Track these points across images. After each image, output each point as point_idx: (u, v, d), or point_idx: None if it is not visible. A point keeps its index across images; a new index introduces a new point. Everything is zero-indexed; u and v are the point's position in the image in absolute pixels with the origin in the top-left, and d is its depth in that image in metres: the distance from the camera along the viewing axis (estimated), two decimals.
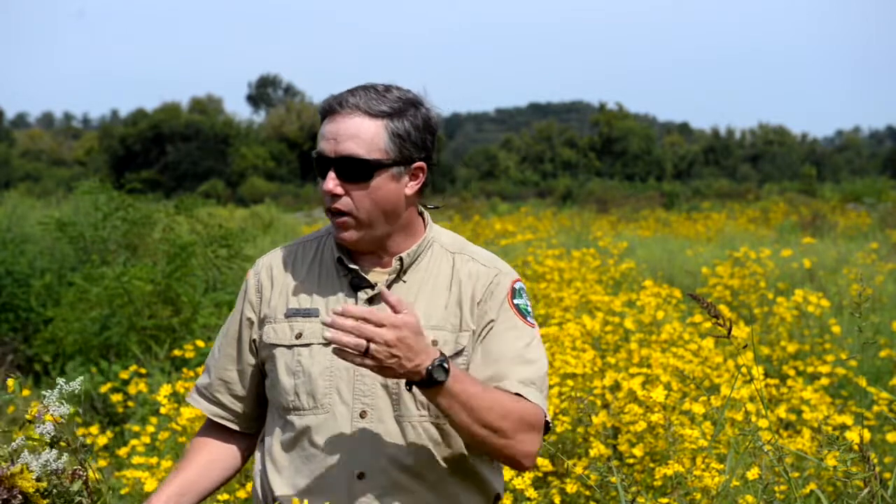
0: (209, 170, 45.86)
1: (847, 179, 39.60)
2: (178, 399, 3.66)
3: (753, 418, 3.34)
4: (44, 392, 1.75)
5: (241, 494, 3.17)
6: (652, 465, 3.20)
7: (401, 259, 1.90)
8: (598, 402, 3.61)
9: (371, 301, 1.89)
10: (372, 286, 1.89)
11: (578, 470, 3.04)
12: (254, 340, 1.98)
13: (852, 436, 2.77)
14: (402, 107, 1.85)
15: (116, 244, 8.58)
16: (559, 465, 3.45)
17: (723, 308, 5.91)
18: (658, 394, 3.16)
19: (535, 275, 7.56)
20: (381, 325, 1.65)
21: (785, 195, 29.02)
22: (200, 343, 4.79)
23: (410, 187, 1.89)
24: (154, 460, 3.44)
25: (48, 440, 1.70)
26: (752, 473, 2.70)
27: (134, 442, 3.76)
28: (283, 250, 2.03)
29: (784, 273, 8.37)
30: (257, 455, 1.99)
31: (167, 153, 47.93)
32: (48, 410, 1.70)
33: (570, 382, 3.68)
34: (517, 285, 1.94)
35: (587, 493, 3.15)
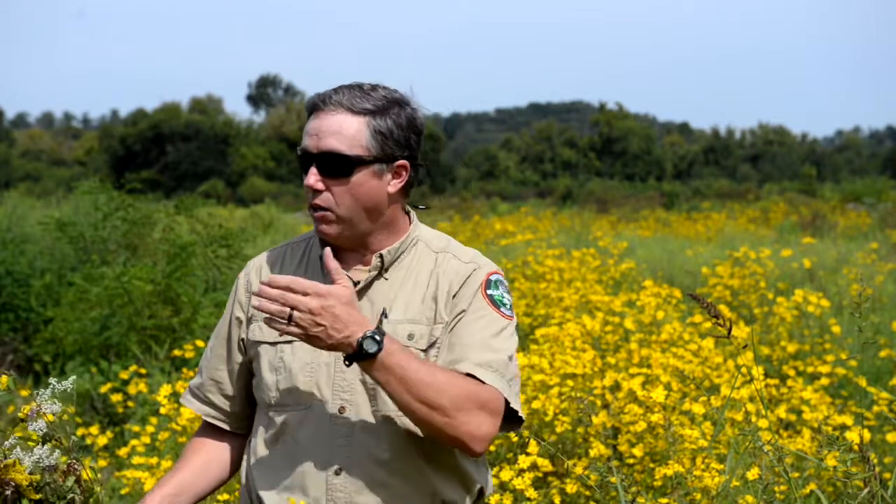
0: (209, 170, 45.88)
1: (847, 179, 39.63)
2: (178, 399, 3.66)
3: (753, 418, 3.34)
4: (37, 391, 1.76)
5: None
6: (652, 465, 3.20)
7: (381, 256, 1.92)
8: (598, 402, 3.61)
9: None
10: (355, 283, 1.90)
11: (578, 470, 3.04)
12: (242, 339, 2.01)
13: (852, 436, 2.76)
14: (386, 105, 1.88)
15: (116, 244, 8.59)
16: (559, 465, 3.45)
17: (723, 308, 5.91)
18: (658, 394, 3.16)
19: (535, 275, 7.56)
20: (306, 294, 1.68)
21: (785, 195, 29.03)
22: (200, 343, 4.79)
23: (393, 185, 1.91)
24: (154, 460, 3.44)
25: (40, 437, 1.71)
26: (752, 473, 2.70)
27: (134, 442, 3.76)
28: (272, 252, 2.06)
29: (784, 273, 8.37)
30: (245, 454, 2.01)
31: (167, 153, 47.93)
32: (41, 409, 1.71)
33: (570, 382, 3.68)
34: (493, 277, 1.94)
35: (587, 493, 3.15)
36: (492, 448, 3.74)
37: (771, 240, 12.86)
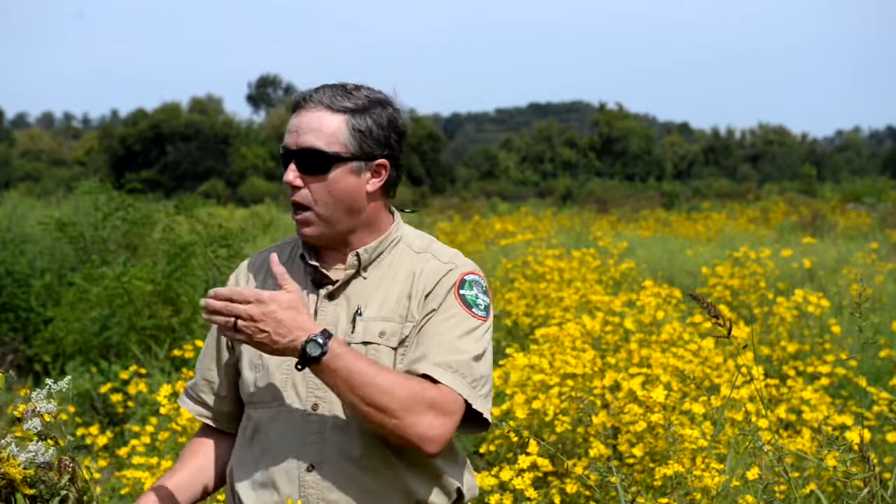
0: (209, 170, 45.88)
1: (847, 179, 39.65)
2: (178, 399, 3.66)
3: (753, 418, 3.34)
4: (33, 390, 1.77)
5: None
6: (652, 465, 3.20)
7: (357, 255, 1.92)
8: (598, 402, 3.61)
9: (331, 297, 1.92)
10: (333, 282, 1.92)
11: (578, 470, 3.04)
12: None
13: (852, 436, 2.77)
14: (366, 104, 1.89)
15: (116, 244, 8.58)
16: (559, 465, 3.45)
17: (723, 308, 5.91)
18: (658, 394, 3.16)
19: (535, 275, 7.56)
20: (248, 302, 1.71)
21: (785, 195, 29.05)
22: (200, 343, 4.79)
23: (372, 184, 1.92)
24: (154, 460, 3.44)
25: (36, 435, 1.72)
26: (752, 473, 2.70)
27: (134, 442, 3.76)
28: (260, 254, 2.09)
29: (784, 273, 8.37)
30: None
31: (167, 153, 47.94)
32: (37, 408, 1.72)
33: (570, 382, 3.68)
34: (468, 277, 1.93)
35: (587, 493, 3.15)
36: (492, 448, 3.74)
37: (771, 240, 12.86)
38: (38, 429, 1.72)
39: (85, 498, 1.75)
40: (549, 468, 2.96)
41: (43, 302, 7.66)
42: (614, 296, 5.90)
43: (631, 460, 3.26)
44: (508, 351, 4.28)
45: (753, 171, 57.26)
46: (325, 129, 1.86)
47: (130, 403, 4.66)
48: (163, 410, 3.63)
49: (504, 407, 3.60)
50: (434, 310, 1.88)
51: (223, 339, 2.04)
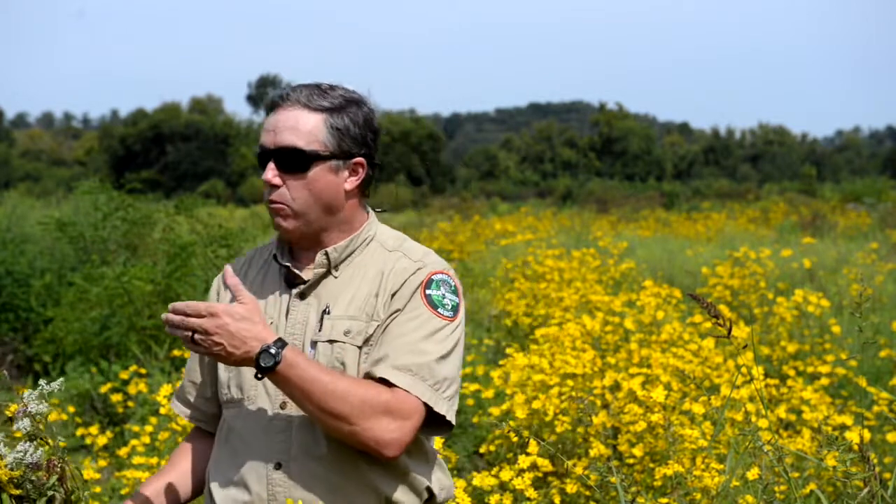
0: (209, 170, 45.89)
1: (847, 179, 39.66)
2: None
3: (753, 418, 3.33)
4: (27, 391, 1.77)
5: None
6: (652, 465, 3.20)
7: (326, 254, 1.93)
8: (598, 402, 3.61)
9: (302, 296, 1.93)
10: (304, 281, 1.93)
11: (578, 470, 3.04)
12: None
13: (852, 436, 2.76)
14: (342, 103, 1.90)
15: (116, 244, 8.58)
16: (559, 465, 3.45)
17: (723, 308, 5.91)
18: (658, 394, 3.16)
19: (535, 275, 7.56)
20: (201, 316, 1.72)
21: (785, 195, 29.05)
22: None
23: (350, 182, 1.93)
24: (154, 460, 3.44)
25: (25, 435, 1.72)
26: (752, 473, 2.70)
27: (134, 442, 3.77)
28: (244, 256, 2.11)
29: (784, 273, 8.37)
30: None
31: (167, 153, 47.94)
32: (27, 408, 1.73)
33: (570, 382, 3.68)
34: (436, 276, 1.93)
35: (587, 493, 3.15)
36: (492, 448, 3.74)
37: (771, 240, 12.85)
38: (28, 429, 1.73)
39: (73, 498, 1.76)
40: (549, 468, 2.96)
41: (43, 302, 7.66)
42: (614, 296, 5.90)
43: (631, 460, 3.26)
44: (508, 351, 4.28)
45: (753, 171, 57.27)
46: (303, 127, 1.87)
47: (130, 403, 4.66)
48: (163, 410, 3.63)
49: (504, 407, 3.60)
50: (399, 310, 1.88)
51: None
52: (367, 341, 1.88)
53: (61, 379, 1.83)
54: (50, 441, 1.75)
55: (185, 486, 2.03)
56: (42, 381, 1.80)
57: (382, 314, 1.89)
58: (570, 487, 3.13)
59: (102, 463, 3.83)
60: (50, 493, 1.73)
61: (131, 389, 4.50)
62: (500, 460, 3.69)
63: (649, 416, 3.18)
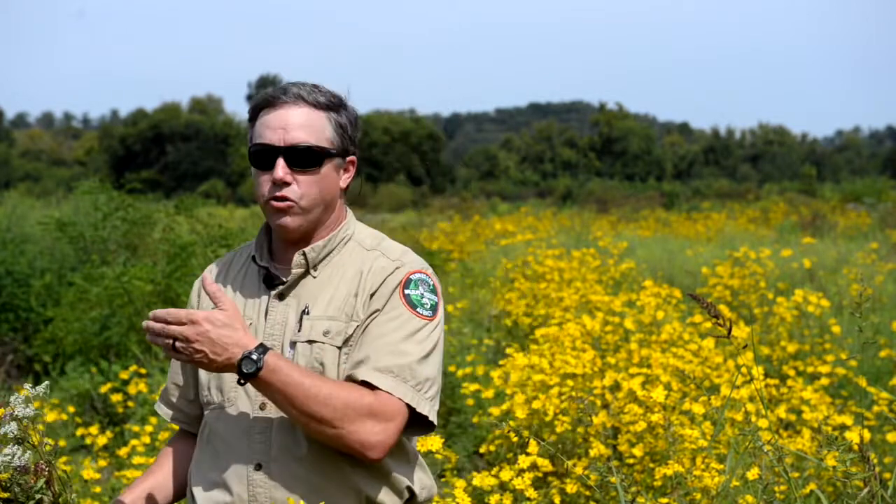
0: (209, 170, 45.88)
1: (847, 179, 39.67)
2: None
3: (753, 418, 3.33)
4: (11, 395, 1.77)
5: None
6: (652, 465, 3.20)
7: (304, 254, 1.93)
8: (598, 402, 3.61)
9: (281, 297, 1.93)
10: (283, 281, 1.93)
11: (578, 470, 3.04)
12: None
13: (852, 436, 2.76)
14: (339, 102, 1.93)
15: (116, 244, 8.57)
16: (559, 465, 3.45)
17: (723, 308, 5.91)
18: (658, 394, 3.15)
19: (535, 275, 7.56)
20: (182, 323, 1.72)
21: (785, 195, 29.05)
22: None
23: (344, 180, 1.96)
24: (154, 460, 3.43)
25: (13, 439, 1.72)
26: (752, 473, 2.70)
27: (134, 442, 3.77)
28: (224, 257, 2.12)
29: (784, 273, 8.37)
30: None
31: (167, 153, 47.94)
32: (14, 411, 1.73)
33: (570, 382, 3.68)
34: (414, 276, 1.93)
35: (587, 493, 3.15)
36: (492, 448, 3.74)
37: (771, 240, 12.85)
38: (15, 433, 1.72)
39: (61, 501, 1.76)
40: (549, 468, 2.96)
41: (43, 302, 7.65)
42: (614, 296, 5.90)
43: (631, 460, 3.26)
44: (508, 351, 4.28)
45: (753, 171, 57.27)
46: (313, 124, 1.88)
47: (130, 403, 4.66)
48: None
49: (504, 407, 3.60)
50: (378, 310, 1.88)
51: None
52: (346, 342, 1.88)
53: (46, 382, 1.83)
54: (35, 442, 1.75)
55: (167, 488, 2.03)
56: (27, 385, 1.79)
57: (362, 314, 1.89)
58: (570, 487, 3.13)
59: (102, 463, 3.83)
60: (38, 496, 1.73)
61: (131, 389, 4.50)
62: (500, 460, 3.69)
63: (649, 416, 3.18)
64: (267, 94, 1.92)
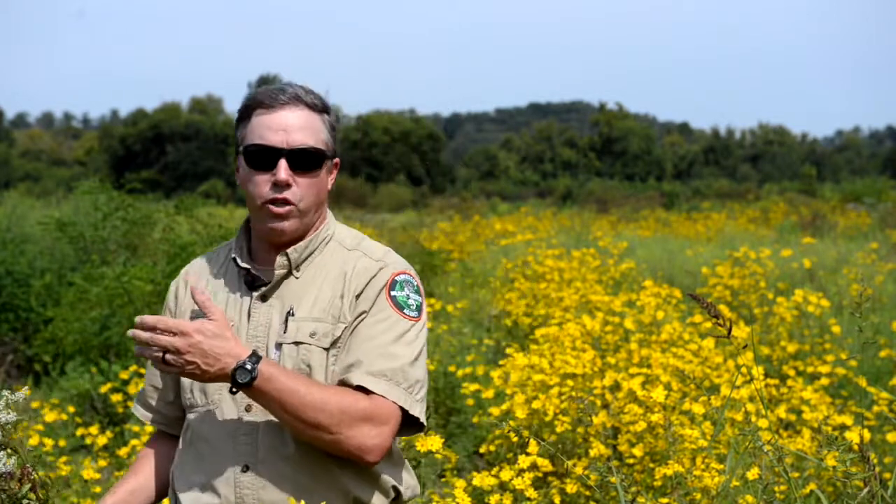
0: (209, 170, 45.85)
1: (847, 179, 39.67)
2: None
3: (753, 418, 3.33)
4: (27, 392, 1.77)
5: None
6: (652, 465, 3.20)
7: (286, 254, 1.92)
8: (598, 402, 3.61)
9: (264, 298, 1.92)
10: (265, 283, 1.92)
11: (578, 470, 3.04)
12: None
13: (852, 436, 2.76)
14: (327, 105, 1.94)
15: (116, 244, 8.57)
16: (559, 465, 3.45)
17: (723, 308, 5.91)
18: (658, 394, 3.15)
19: (535, 275, 7.56)
20: (173, 334, 1.70)
21: (785, 195, 29.05)
22: None
23: (330, 181, 1.97)
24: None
25: None
26: (752, 473, 2.70)
27: (134, 442, 3.77)
28: (202, 258, 2.08)
29: (784, 273, 8.37)
30: None
31: (167, 153, 47.92)
32: None
33: (570, 382, 3.68)
34: (399, 277, 1.93)
35: (587, 493, 3.15)
36: (492, 448, 3.74)
37: (771, 240, 12.85)
38: None
39: None
40: (549, 468, 2.96)
41: (43, 302, 7.65)
42: (614, 296, 5.90)
43: (631, 460, 3.26)
44: (508, 351, 4.28)
45: (753, 171, 57.28)
46: (312, 126, 1.89)
47: (130, 403, 4.65)
48: None
49: (504, 407, 3.60)
50: (365, 311, 1.88)
51: None
52: (334, 343, 1.88)
53: (26, 388, 1.83)
54: (19, 450, 1.75)
55: (149, 489, 2.03)
56: (6, 392, 1.79)
57: (349, 316, 1.88)
58: (570, 487, 3.13)
59: (102, 463, 3.83)
60: (24, 502, 1.73)
61: (131, 389, 4.49)
62: (500, 460, 3.69)
63: (649, 416, 3.18)
64: (263, 94, 1.89)
